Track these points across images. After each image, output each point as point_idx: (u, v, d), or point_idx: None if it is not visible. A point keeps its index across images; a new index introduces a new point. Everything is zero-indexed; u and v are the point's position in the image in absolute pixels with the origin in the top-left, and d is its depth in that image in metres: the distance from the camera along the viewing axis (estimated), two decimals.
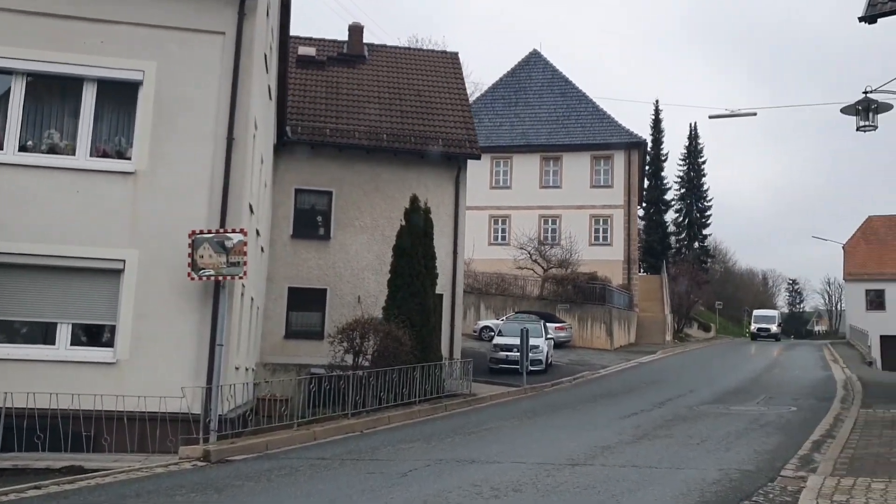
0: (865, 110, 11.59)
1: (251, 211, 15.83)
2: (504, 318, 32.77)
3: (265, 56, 17.09)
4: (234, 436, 13.28)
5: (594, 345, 35.14)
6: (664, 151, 71.32)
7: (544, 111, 50.59)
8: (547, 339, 26.41)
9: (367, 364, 16.97)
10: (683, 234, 73.18)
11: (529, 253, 39.30)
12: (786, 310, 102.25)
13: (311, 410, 15.18)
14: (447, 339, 22.24)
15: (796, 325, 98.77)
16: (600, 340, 35.35)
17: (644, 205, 67.96)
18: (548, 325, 31.12)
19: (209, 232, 13.09)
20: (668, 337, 44.34)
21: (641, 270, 65.40)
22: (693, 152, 72.95)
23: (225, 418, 13.19)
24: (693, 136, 73.22)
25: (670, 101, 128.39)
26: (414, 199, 19.44)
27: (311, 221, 23.19)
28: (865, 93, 11.74)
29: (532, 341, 22.50)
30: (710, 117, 25.15)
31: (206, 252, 13.31)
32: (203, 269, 13.19)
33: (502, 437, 11.91)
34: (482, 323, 35.14)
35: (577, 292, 36.36)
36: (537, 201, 48.15)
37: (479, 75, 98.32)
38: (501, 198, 48.79)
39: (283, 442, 12.27)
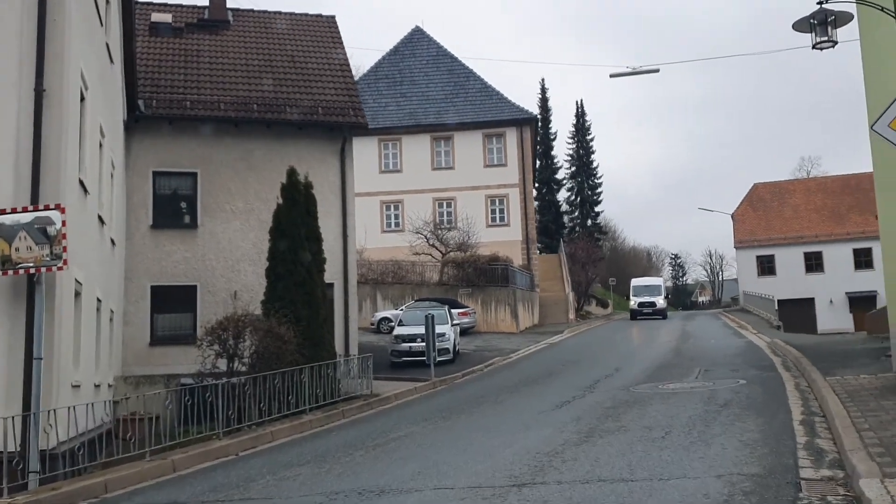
0: (822, 24, 9.72)
1: (84, 190, 12.67)
2: (404, 307, 30.27)
3: (95, 3, 13.89)
4: (70, 475, 10.27)
5: (500, 328, 33.16)
6: (553, 131, 70.65)
7: (432, 90, 48.22)
8: (453, 325, 24.08)
9: (244, 369, 14.12)
10: (576, 213, 72.74)
11: (426, 237, 36.92)
12: (670, 283, 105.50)
13: (182, 429, 12.30)
14: (341, 333, 19.55)
15: (682, 297, 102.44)
16: (506, 324, 33.38)
17: (536, 185, 66.95)
18: (451, 311, 28.95)
19: (13, 211, 9.95)
20: (572, 316, 43.04)
21: (538, 251, 64.42)
22: (581, 130, 72.51)
23: (56, 454, 10.15)
24: (580, 115, 72.86)
25: (556, 81, 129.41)
26: (292, 172, 16.62)
27: (174, 208, 20.01)
28: (819, 3, 9.89)
29: (438, 329, 20.11)
30: (612, 76, 23.31)
31: (23, 244, 10.20)
32: (19, 262, 10.09)
33: (416, 450, 9.38)
34: (380, 314, 32.50)
35: (479, 275, 34.25)
36: (430, 184, 45.83)
37: (360, 59, 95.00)
38: (392, 182, 46.22)
39: (130, 479, 9.32)
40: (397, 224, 44.87)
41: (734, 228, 58.26)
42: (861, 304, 52.20)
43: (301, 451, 10.22)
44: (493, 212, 45.96)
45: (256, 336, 14.31)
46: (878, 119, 9.22)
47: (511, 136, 46.05)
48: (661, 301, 46.24)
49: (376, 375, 17.76)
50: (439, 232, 37.64)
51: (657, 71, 23.73)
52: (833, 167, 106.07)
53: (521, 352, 25.09)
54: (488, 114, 46.68)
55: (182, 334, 19.31)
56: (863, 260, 53.05)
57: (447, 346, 22.08)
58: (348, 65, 22.88)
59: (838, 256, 53.28)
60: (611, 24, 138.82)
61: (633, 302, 47.00)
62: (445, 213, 45.87)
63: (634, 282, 50.94)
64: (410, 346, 21.71)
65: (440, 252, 36.77)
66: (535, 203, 68.45)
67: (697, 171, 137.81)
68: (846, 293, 52.55)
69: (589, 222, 72.56)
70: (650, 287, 48.52)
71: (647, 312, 44.47)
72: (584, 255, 53.98)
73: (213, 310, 18.39)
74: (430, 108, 47.09)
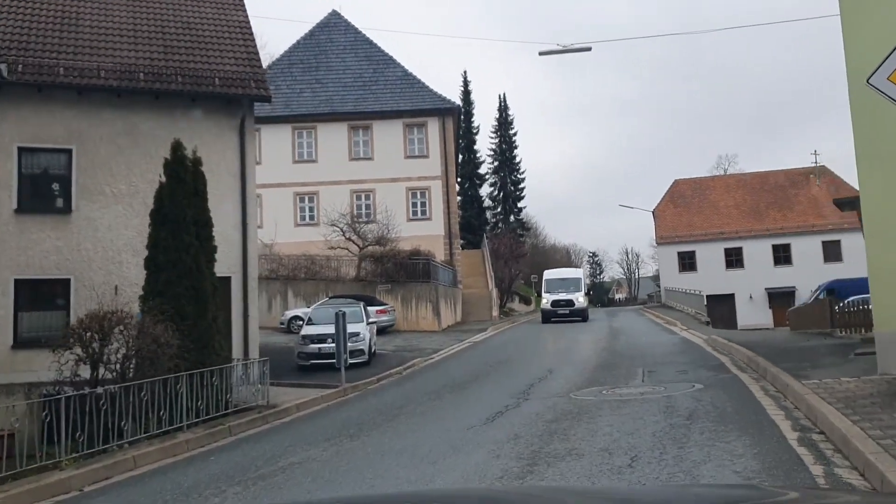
0: None
1: None
2: (317, 304, 27.96)
3: None
4: None
5: (420, 326, 31.19)
6: (475, 124, 69.14)
7: (349, 76, 45.81)
8: (369, 323, 21.96)
9: (112, 377, 11.69)
10: (499, 208, 71.44)
11: (342, 230, 34.59)
12: (588, 280, 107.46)
13: (46, 450, 9.87)
14: (240, 334, 17.19)
15: (599, 294, 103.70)
16: (427, 321, 31.44)
17: (459, 179, 65.36)
18: (368, 308, 26.83)
19: None
20: (495, 313, 41.47)
21: (461, 246, 62.86)
22: (504, 124, 71.24)
23: None
24: (503, 108, 71.61)
25: (479, 75, 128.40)
26: (177, 146, 14.23)
27: (43, 190, 17.30)
28: None
29: (351, 327, 17.95)
30: (541, 53, 21.63)
31: None
32: None
33: (310, 485, 7.25)
34: (290, 313, 30.07)
35: (399, 270, 32.20)
36: (348, 175, 43.50)
37: (275, 46, 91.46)
38: (307, 173, 43.70)
39: None
40: (312, 217, 42.33)
41: (655, 225, 57.92)
42: (780, 299, 52.52)
43: (162, 485, 7.96)
44: (415, 205, 43.98)
45: (129, 337, 11.91)
46: (875, 71, 7.64)
47: (433, 126, 44.14)
48: (580, 299, 37.21)
49: (280, 381, 15.56)
50: (357, 225, 35.40)
51: (589, 49, 22.22)
52: (749, 166, 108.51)
53: (443, 351, 23.18)
54: (409, 102, 44.65)
55: (53, 336, 16.59)
56: (781, 256, 53.37)
57: (361, 347, 19.94)
58: (251, 30, 20.45)
59: (758, 252, 53.44)
60: (538, 21, 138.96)
61: (546, 300, 37.95)
62: (364, 206, 43.64)
63: (547, 274, 41.44)
64: (319, 348, 19.43)
65: (357, 246, 34.55)
66: (459, 198, 66.93)
67: (618, 170, 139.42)
68: (766, 289, 52.72)
69: (512, 218, 71.39)
70: (567, 281, 39.07)
71: (563, 314, 35.63)
72: (507, 251, 52.66)
73: (89, 306, 15.78)
74: (348, 96, 44.73)
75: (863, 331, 21.93)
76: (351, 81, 45.33)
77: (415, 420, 11.07)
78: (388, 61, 46.72)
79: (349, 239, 34.53)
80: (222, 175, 17.25)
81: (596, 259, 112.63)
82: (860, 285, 43.47)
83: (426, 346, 24.42)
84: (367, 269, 32.58)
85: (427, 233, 42.89)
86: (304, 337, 20.33)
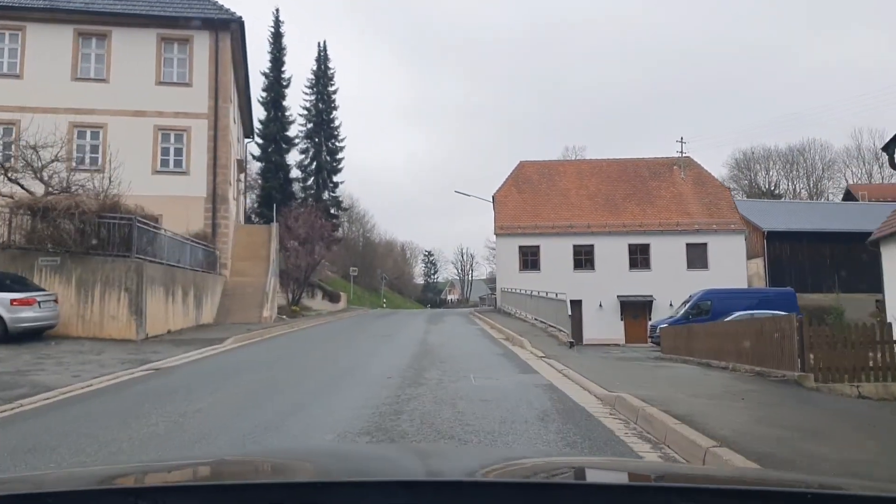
0: None
1: None
2: None
3: None
4: None
5: (106, 331, 18.47)
6: (286, 76, 56.24)
7: None
8: None
9: None
10: (311, 181, 59.03)
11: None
12: (421, 280, 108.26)
13: None
14: None
15: (431, 295, 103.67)
16: (118, 324, 18.66)
17: (260, 141, 52.46)
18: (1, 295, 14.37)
19: None
20: (266, 312, 29.16)
21: (259, 220, 50.21)
22: (322, 78, 59.04)
23: None
24: (322, 59, 59.25)
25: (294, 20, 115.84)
26: None
27: None
28: None
29: None
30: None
31: None
32: None
33: None
34: None
35: (82, 236, 19.24)
36: (68, 100, 29.85)
37: None
38: (6, 92, 29.73)
39: None
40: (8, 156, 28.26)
41: (495, 212, 47.79)
42: (634, 309, 43.79)
43: None
44: (166, 152, 30.93)
45: None
46: None
47: (201, 43, 31.28)
48: None
49: None
50: (31, 155, 21.97)
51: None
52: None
53: (95, 383, 11.03)
54: (168, 6, 31.54)
55: None
56: (639, 258, 44.71)
57: None
58: None
59: (612, 252, 44.52)
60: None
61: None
62: (89, 146, 30.08)
63: None
64: None
65: (28, 193, 21.21)
66: (258, 164, 53.98)
67: (463, 171, 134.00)
68: (618, 296, 43.83)
69: (326, 195, 59.26)
70: None
71: None
72: (308, 231, 40.44)
73: None
74: None
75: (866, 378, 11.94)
76: None
77: None
78: None
79: (12, 180, 21.11)
80: None
81: (431, 258, 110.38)
82: (739, 298, 35.01)
83: (59, 379, 12.02)
84: (25, 229, 19.30)
85: (181, 192, 30.11)
86: None
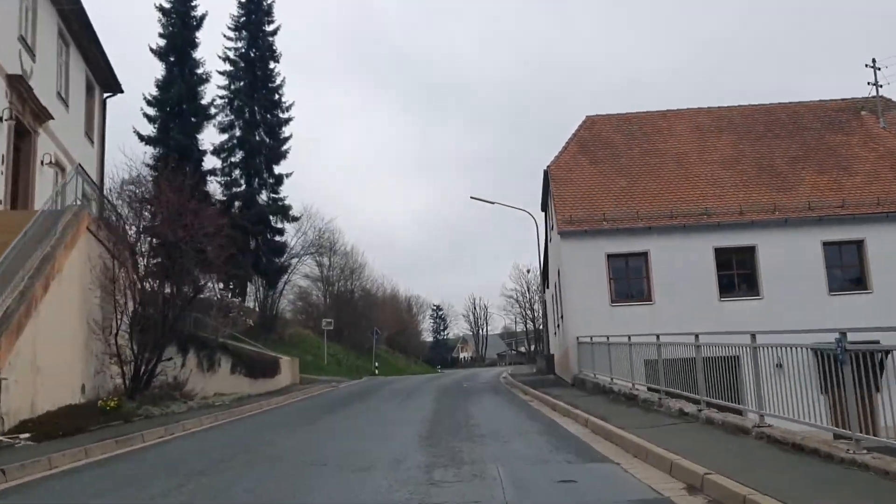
0: None
1: None
2: None
3: None
4: None
5: None
6: (197, 13, 34.82)
7: None
8: None
9: None
10: (237, 174, 37.43)
11: None
12: (430, 338, 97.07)
13: None
14: None
15: (442, 353, 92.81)
16: None
17: (152, 112, 30.88)
18: None
19: None
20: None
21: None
22: (255, 13, 37.72)
23: None
24: None
25: None
26: None
27: None
28: None
29: None
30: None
31: None
32: None
33: None
34: None
35: None
36: None
37: None
38: None
39: None
40: None
41: (553, 196, 26.51)
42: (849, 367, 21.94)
43: None
44: None
45: None
46: None
47: None
48: None
49: None
50: None
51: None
52: None
53: None
54: None
55: None
56: (844, 267, 23.45)
57: None
58: None
59: (789, 257, 23.38)
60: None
61: None
62: None
63: None
64: None
65: None
66: (152, 150, 32.45)
67: (469, 226, 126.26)
68: (811, 347, 22.20)
69: (264, 196, 37.51)
70: None
71: None
72: (171, 225, 18.45)
73: None
74: None
75: None
76: None
77: None
78: None
79: None
80: None
81: (440, 313, 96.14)
82: None
83: None
84: None
85: None
86: None
